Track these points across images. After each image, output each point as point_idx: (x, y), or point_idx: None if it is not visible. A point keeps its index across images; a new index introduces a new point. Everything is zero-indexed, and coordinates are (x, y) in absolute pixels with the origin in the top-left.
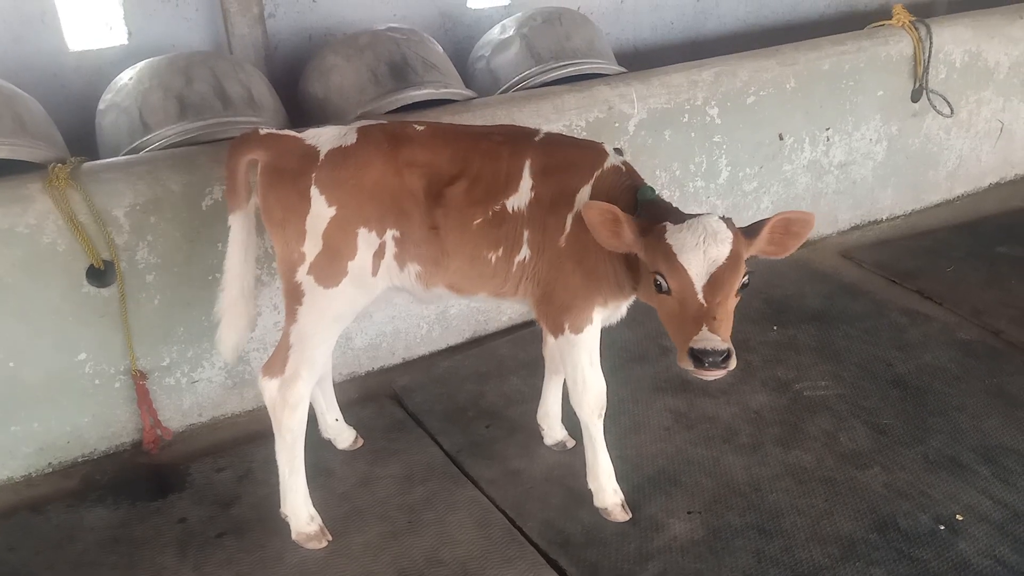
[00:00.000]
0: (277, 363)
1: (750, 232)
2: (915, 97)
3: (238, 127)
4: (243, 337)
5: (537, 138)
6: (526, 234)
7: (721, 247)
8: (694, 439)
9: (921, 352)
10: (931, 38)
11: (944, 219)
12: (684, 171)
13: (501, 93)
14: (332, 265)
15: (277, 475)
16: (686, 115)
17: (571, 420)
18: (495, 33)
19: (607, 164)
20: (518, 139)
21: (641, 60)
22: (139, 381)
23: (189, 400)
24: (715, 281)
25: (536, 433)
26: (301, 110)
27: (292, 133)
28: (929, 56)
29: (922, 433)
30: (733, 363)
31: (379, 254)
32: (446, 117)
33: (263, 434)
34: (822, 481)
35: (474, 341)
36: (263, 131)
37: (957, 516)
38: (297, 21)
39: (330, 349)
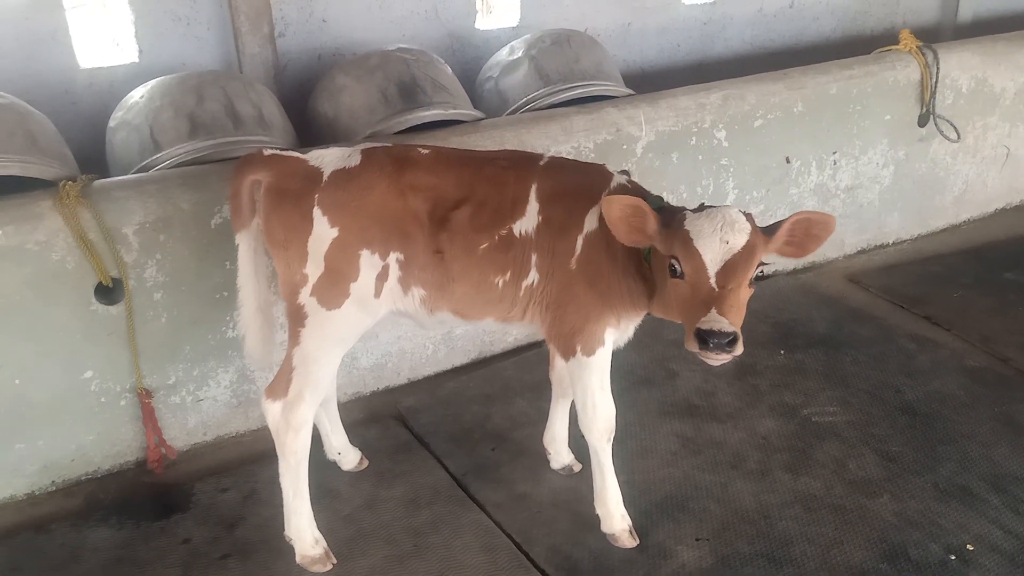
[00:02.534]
0: (280, 385)
1: (769, 230)
2: (922, 122)
3: (248, 146)
4: (269, 347)
5: (542, 163)
6: (534, 258)
7: (738, 236)
8: (702, 464)
9: (930, 379)
10: (938, 63)
11: (950, 244)
12: (691, 193)
13: (509, 114)
14: (335, 287)
15: (281, 496)
16: (693, 138)
17: (577, 444)
18: (503, 54)
19: (613, 184)
20: (523, 164)
21: (648, 82)
22: (145, 400)
23: (194, 419)
24: (728, 268)
25: (542, 456)
26: (311, 130)
27: (296, 154)
28: (936, 81)
29: (932, 461)
30: (739, 348)
31: (382, 276)
32: (455, 138)
33: (267, 454)
34: (832, 509)
35: (480, 362)
36: (267, 152)
37: (968, 546)
38: (307, 41)
39: (334, 371)
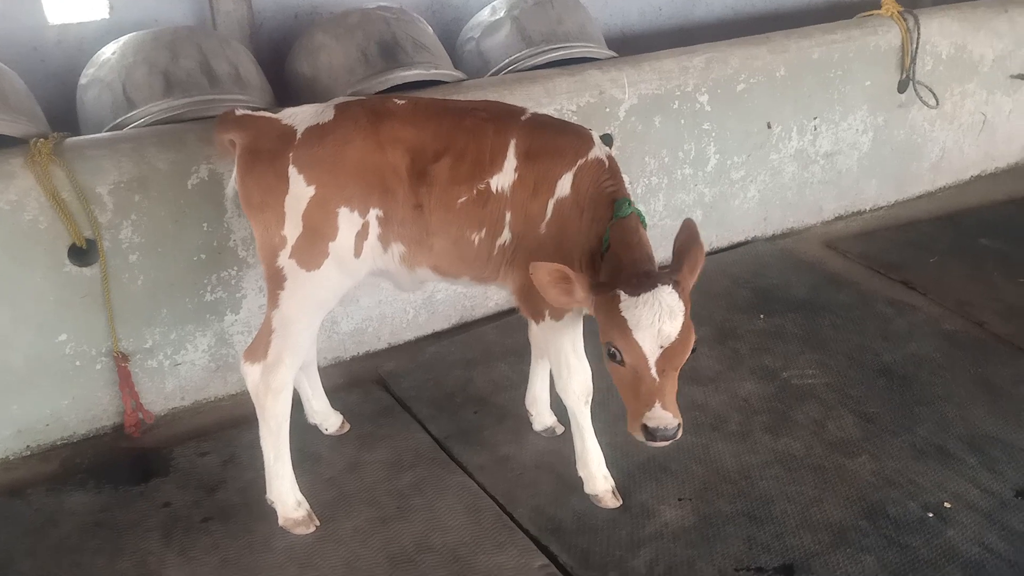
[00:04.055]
0: (259, 348)
1: (682, 283)
2: (901, 88)
3: (225, 105)
4: None
5: (524, 118)
6: (508, 216)
7: (675, 323)
8: (684, 426)
9: (907, 342)
10: (919, 29)
11: (926, 211)
12: (673, 158)
13: (492, 75)
14: (314, 247)
15: (262, 460)
16: (676, 102)
17: (559, 406)
18: (485, 15)
19: (591, 154)
20: (504, 117)
21: (629, 46)
22: (121, 363)
23: (172, 383)
24: (668, 355)
25: (525, 419)
26: (288, 89)
27: (268, 113)
28: (917, 47)
29: (909, 422)
30: (680, 434)
31: (362, 234)
32: (434, 97)
33: (247, 418)
34: (811, 469)
35: (460, 327)
36: (239, 111)
37: (945, 504)
38: None
39: (314, 334)
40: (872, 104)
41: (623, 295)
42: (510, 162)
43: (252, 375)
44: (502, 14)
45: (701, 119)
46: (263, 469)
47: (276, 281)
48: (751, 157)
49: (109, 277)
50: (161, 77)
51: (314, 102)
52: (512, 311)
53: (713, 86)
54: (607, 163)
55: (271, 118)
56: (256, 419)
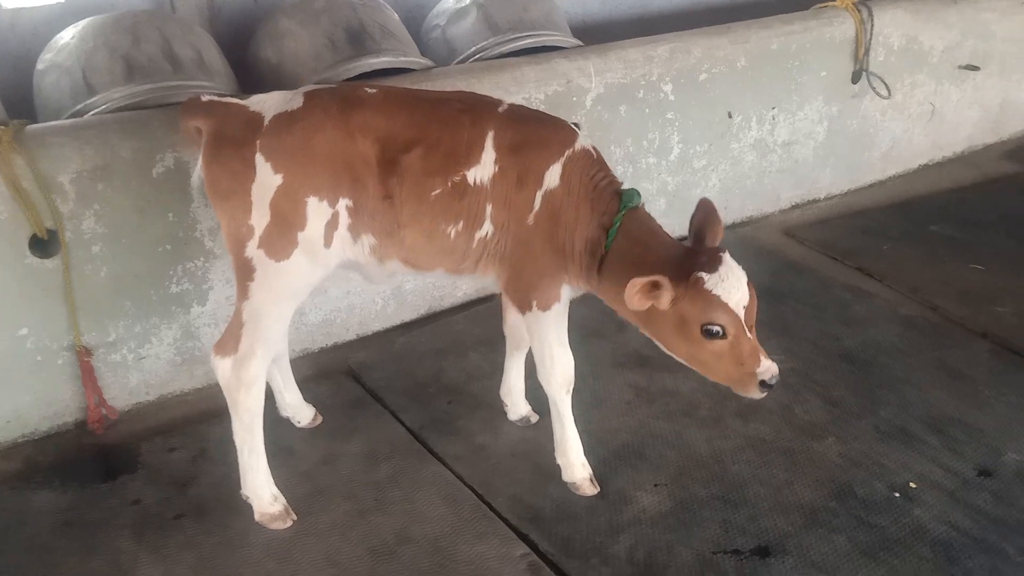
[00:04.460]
0: (230, 341)
1: (715, 244)
2: (855, 78)
3: (189, 91)
4: None
5: (501, 109)
6: (489, 209)
7: (746, 283)
8: (656, 413)
9: (866, 327)
10: (872, 20)
11: (877, 199)
12: (637, 147)
13: (458, 64)
14: (282, 237)
15: (233, 454)
16: (641, 91)
17: (534, 395)
18: (450, 2)
19: (578, 145)
20: (480, 108)
21: (590, 35)
22: (84, 358)
23: (136, 378)
24: (748, 314)
25: (499, 409)
26: (252, 76)
27: (235, 100)
28: (870, 38)
29: (872, 405)
30: None
31: (332, 224)
32: (405, 85)
33: (215, 412)
34: (781, 452)
35: (430, 317)
36: (205, 98)
37: (911, 484)
38: None
39: (286, 326)
40: (827, 94)
41: (704, 276)
42: (488, 154)
43: (223, 369)
44: (468, 1)
45: (665, 108)
46: (236, 464)
47: (245, 272)
48: (713, 146)
49: (71, 269)
50: (122, 62)
51: (280, 89)
52: (481, 300)
53: (677, 75)
54: (594, 154)
55: (238, 104)
56: (226, 413)
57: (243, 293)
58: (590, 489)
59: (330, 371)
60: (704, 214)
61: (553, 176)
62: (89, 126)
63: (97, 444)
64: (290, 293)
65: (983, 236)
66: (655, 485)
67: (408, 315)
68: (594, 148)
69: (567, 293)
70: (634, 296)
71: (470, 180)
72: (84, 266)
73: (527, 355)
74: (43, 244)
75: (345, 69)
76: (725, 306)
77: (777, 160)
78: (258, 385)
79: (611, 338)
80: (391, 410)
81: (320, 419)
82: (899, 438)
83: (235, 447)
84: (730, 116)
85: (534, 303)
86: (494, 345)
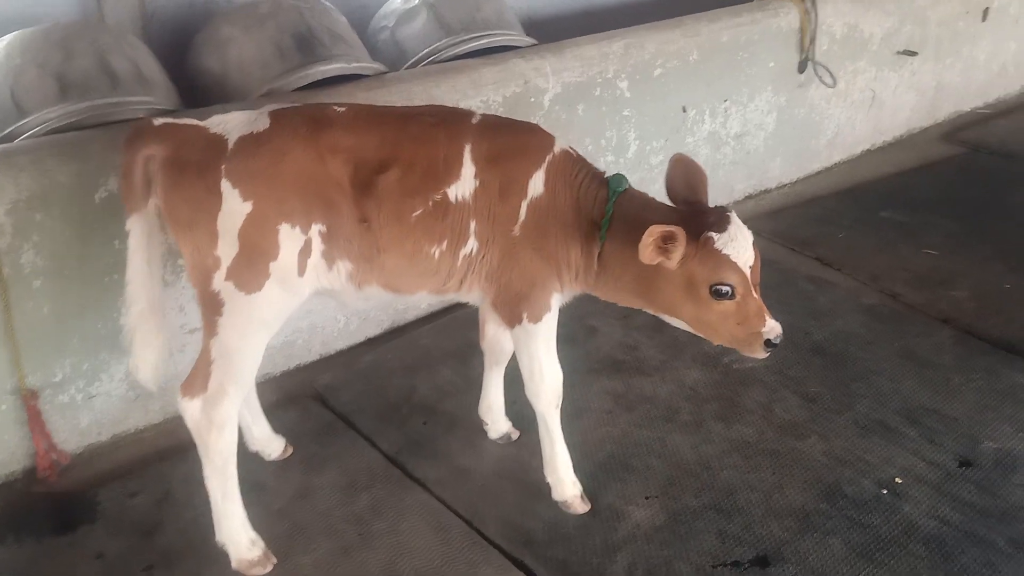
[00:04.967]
0: (198, 380)
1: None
2: (801, 68)
3: (130, 108)
4: (162, 356)
5: (475, 121)
6: (472, 225)
7: (752, 243)
8: (637, 421)
9: (832, 319)
10: (816, 10)
11: (825, 186)
12: (596, 146)
13: (410, 66)
14: (252, 267)
15: (201, 495)
16: (598, 88)
17: (511, 410)
18: (398, 2)
19: (557, 148)
20: (453, 122)
21: (536, 30)
22: (30, 402)
23: (87, 418)
24: (755, 274)
25: (477, 426)
26: (193, 87)
27: (193, 121)
28: (815, 28)
29: (848, 399)
30: None
31: (305, 252)
32: (360, 93)
33: (175, 449)
34: (766, 454)
35: (394, 331)
36: (158, 121)
37: (896, 479)
38: None
39: (258, 361)
40: (775, 85)
41: (714, 235)
42: (468, 168)
43: (191, 410)
44: (417, 1)
45: (621, 105)
46: (205, 506)
47: (212, 306)
48: (668, 141)
49: (11, 307)
50: (54, 79)
51: (224, 101)
52: (446, 312)
53: (632, 71)
54: (573, 154)
55: (196, 126)
56: (188, 449)
57: (211, 329)
58: (581, 507)
59: (295, 395)
60: (684, 169)
61: (537, 184)
62: (23, 151)
63: (50, 493)
64: (262, 325)
65: (931, 220)
66: (646, 498)
67: (372, 331)
68: (571, 148)
69: (557, 302)
70: (648, 246)
71: (452, 197)
72: (25, 303)
73: (505, 369)
74: None
75: (296, 77)
76: (735, 266)
77: (730, 152)
78: (230, 425)
79: (582, 344)
80: (364, 435)
81: (291, 450)
82: (879, 432)
83: (203, 488)
84: (684, 111)
85: (524, 316)
86: (464, 359)
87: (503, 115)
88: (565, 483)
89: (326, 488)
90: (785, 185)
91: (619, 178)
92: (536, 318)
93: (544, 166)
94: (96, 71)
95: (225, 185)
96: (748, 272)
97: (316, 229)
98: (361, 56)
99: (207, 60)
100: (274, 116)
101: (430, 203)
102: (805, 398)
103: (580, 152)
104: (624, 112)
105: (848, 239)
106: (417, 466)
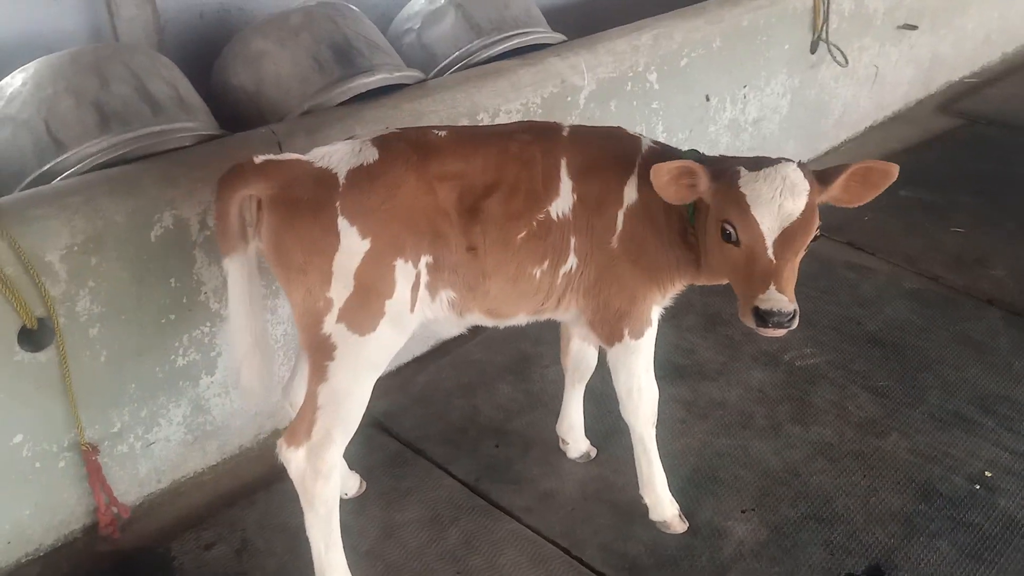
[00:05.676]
0: (302, 428)
1: (825, 178)
2: (813, 48)
3: (175, 136)
4: (270, 380)
5: (565, 133)
6: (572, 241)
7: (798, 201)
8: (713, 429)
9: (880, 306)
10: None
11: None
12: None
13: (441, 70)
14: (367, 308)
15: (281, 541)
16: (629, 83)
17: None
18: (422, 3)
19: (644, 148)
20: (547, 137)
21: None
22: (90, 456)
23: (145, 466)
24: (787, 237)
25: (551, 445)
26: (222, 107)
27: (296, 156)
28: (828, 7)
29: (918, 391)
30: (796, 323)
31: (415, 286)
32: (406, 104)
33: (240, 493)
34: (852, 456)
35: (440, 348)
36: (259, 159)
37: (986, 473)
38: None
39: (365, 404)
40: (790, 67)
41: (743, 171)
42: (565, 184)
43: (296, 460)
44: (442, 1)
45: (651, 98)
46: (288, 553)
47: (323, 351)
48: (693, 132)
49: (68, 358)
50: (92, 109)
51: (259, 118)
52: None
53: (660, 63)
54: (658, 147)
55: (301, 161)
56: (255, 491)
57: (319, 374)
58: (680, 526)
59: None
60: None
61: (631, 191)
62: (74, 191)
63: (117, 550)
64: (373, 368)
65: (950, 196)
66: (742, 511)
67: (418, 349)
68: (655, 142)
69: (657, 315)
70: (662, 179)
71: (553, 215)
72: (82, 353)
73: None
74: (32, 335)
75: (339, 92)
76: (746, 209)
77: (748, 139)
78: (336, 473)
79: None
80: (437, 463)
81: (364, 485)
82: (956, 424)
83: (282, 534)
84: (708, 99)
85: (626, 332)
86: (521, 373)
87: (542, 117)
88: (663, 502)
89: (411, 524)
90: None
91: (691, 152)
92: (638, 334)
93: (636, 171)
94: (135, 98)
95: (343, 223)
96: (769, 224)
97: (424, 261)
98: (399, 64)
99: (238, 77)
100: (380, 145)
101: (534, 223)
102: (875, 393)
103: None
104: (653, 105)
105: (875, 221)
106: (500, 493)
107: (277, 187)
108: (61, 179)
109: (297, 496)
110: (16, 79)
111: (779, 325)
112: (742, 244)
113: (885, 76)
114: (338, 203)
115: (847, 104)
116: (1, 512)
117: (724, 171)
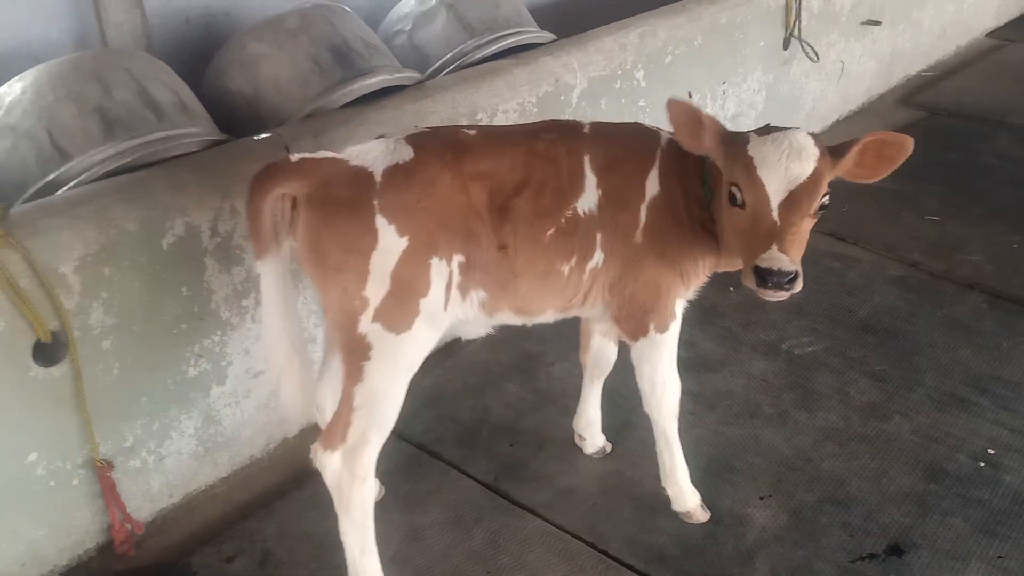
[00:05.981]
0: (337, 431)
1: (837, 152)
2: (785, 45)
3: (181, 142)
4: (310, 389)
5: (586, 130)
6: (599, 237)
7: (804, 165)
8: (723, 419)
9: (868, 294)
10: None
11: None
12: None
13: (436, 71)
14: (403, 306)
15: (303, 550)
16: (618, 81)
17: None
18: (411, 3)
19: (663, 141)
20: (570, 134)
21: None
22: (105, 473)
23: (158, 480)
24: (792, 200)
25: (565, 441)
26: (219, 112)
27: (332, 155)
28: (800, 4)
29: (915, 374)
30: (799, 286)
31: (449, 285)
32: (408, 105)
33: (254, 504)
34: (859, 440)
35: (443, 351)
36: (295, 157)
37: (989, 451)
38: (170, 1)
39: (400, 404)
40: (764, 64)
41: (752, 135)
42: (590, 180)
43: (332, 464)
44: (433, 2)
45: (638, 96)
46: (314, 562)
47: (359, 351)
48: None
49: (82, 373)
50: (96, 116)
51: (258, 123)
52: None
53: (647, 61)
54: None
55: (336, 159)
56: (270, 502)
57: (355, 375)
58: (702, 515)
59: None
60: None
61: (653, 184)
62: (85, 200)
63: (134, 568)
64: (409, 367)
65: (921, 186)
66: (760, 498)
67: None
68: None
69: (681, 308)
70: (677, 115)
71: (580, 212)
72: (95, 366)
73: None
74: (46, 350)
75: (340, 94)
76: (752, 170)
77: None
78: (371, 476)
79: None
80: (453, 464)
81: (383, 490)
82: (955, 404)
83: (304, 543)
84: (690, 96)
85: (651, 326)
86: (527, 372)
87: (537, 116)
88: (686, 493)
89: (435, 526)
90: None
91: None
92: (663, 327)
93: (657, 164)
94: (138, 103)
95: (380, 221)
96: (773, 187)
97: (456, 260)
98: (397, 65)
99: (235, 81)
100: (415, 143)
101: (562, 220)
102: (874, 378)
103: None
104: (640, 102)
105: (852, 211)
106: (520, 491)
107: (314, 185)
108: (67, 188)
109: (317, 504)
110: (15, 87)
111: (779, 286)
112: (747, 206)
113: (850, 71)
114: (376, 201)
115: (816, 99)
116: (16, 534)
117: (736, 138)
